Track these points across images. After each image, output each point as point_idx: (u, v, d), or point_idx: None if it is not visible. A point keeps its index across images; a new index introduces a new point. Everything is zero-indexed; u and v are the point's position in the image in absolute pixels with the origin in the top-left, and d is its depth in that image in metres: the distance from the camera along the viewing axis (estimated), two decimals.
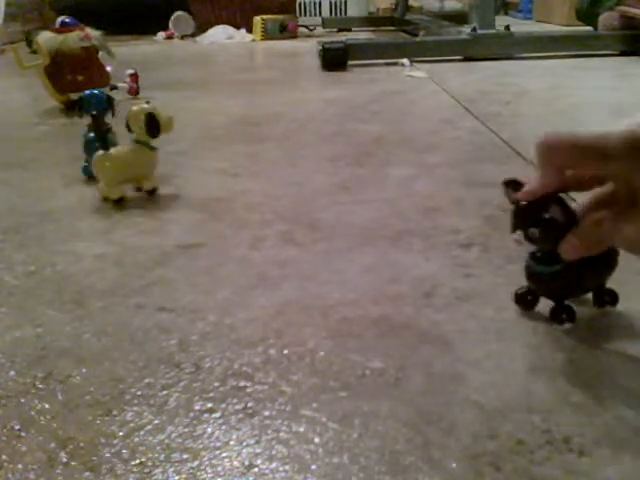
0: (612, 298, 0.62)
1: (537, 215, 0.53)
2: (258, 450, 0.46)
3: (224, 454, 0.46)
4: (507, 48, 2.38)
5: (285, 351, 0.58)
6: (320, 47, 2.36)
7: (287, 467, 0.44)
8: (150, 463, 0.45)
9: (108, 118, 1.07)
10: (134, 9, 3.73)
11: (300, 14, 4.10)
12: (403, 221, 0.88)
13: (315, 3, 4.21)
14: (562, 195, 0.54)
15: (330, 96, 1.81)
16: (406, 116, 1.54)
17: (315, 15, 4.22)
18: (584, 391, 0.51)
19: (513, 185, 0.55)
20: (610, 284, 0.61)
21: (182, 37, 3.73)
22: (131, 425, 0.49)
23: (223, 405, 0.51)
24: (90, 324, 0.64)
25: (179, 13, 3.76)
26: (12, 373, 0.56)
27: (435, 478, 0.43)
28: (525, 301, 0.62)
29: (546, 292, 0.60)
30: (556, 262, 0.55)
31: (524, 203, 0.54)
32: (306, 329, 0.62)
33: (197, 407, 0.51)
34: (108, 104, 1.07)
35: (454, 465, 0.44)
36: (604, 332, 0.59)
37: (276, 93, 1.91)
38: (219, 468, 0.44)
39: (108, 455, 0.46)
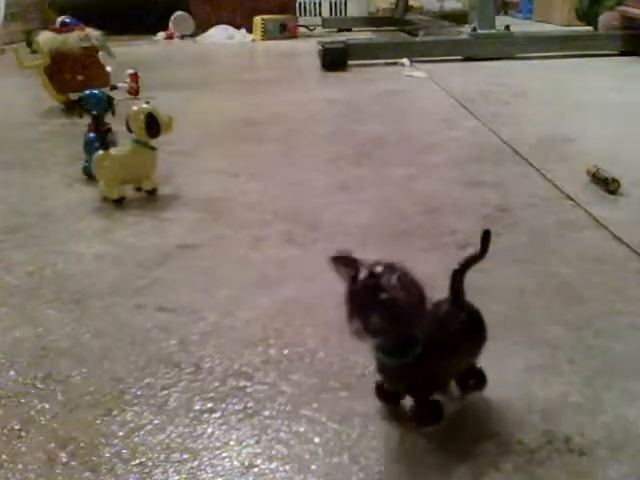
0: (478, 380, 0.50)
1: (374, 297, 0.41)
2: (258, 450, 0.46)
3: (224, 454, 0.46)
4: (507, 48, 2.38)
5: (285, 351, 0.58)
6: (320, 47, 2.36)
7: (287, 467, 0.44)
8: (150, 463, 0.45)
9: (108, 118, 1.07)
10: (134, 9, 3.73)
11: (300, 14, 4.10)
12: (403, 221, 0.88)
13: (315, 3, 4.21)
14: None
15: (330, 96, 1.81)
16: (406, 116, 1.54)
17: (315, 15, 4.21)
18: (584, 391, 0.51)
19: (345, 261, 0.44)
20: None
21: (182, 37, 3.73)
22: (131, 425, 0.49)
23: (223, 405, 0.51)
24: (90, 324, 0.64)
25: (179, 13, 3.76)
26: (12, 373, 0.56)
27: (435, 477, 0.43)
28: (386, 395, 0.50)
29: (401, 388, 0.48)
30: (407, 352, 0.45)
31: (362, 281, 0.42)
32: (306, 329, 0.62)
33: (197, 407, 0.51)
34: (108, 104, 1.07)
35: (454, 465, 0.44)
36: None
37: (276, 93, 1.91)
38: (219, 468, 0.44)
39: (108, 455, 0.46)
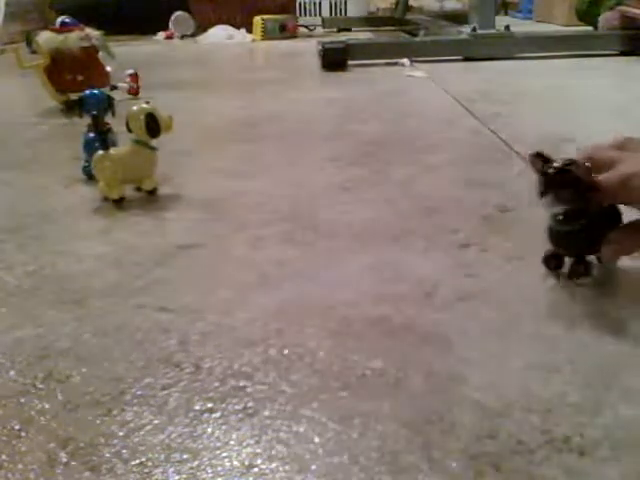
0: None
1: (566, 177, 0.61)
2: (258, 450, 0.46)
3: (224, 454, 0.46)
4: (507, 48, 2.38)
5: (285, 351, 0.58)
6: (320, 47, 2.36)
7: (287, 467, 0.44)
8: (150, 463, 0.45)
9: (108, 118, 1.07)
10: (134, 9, 3.72)
11: (300, 14, 4.09)
12: (403, 221, 0.88)
13: (315, 3, 4.20)
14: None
15: (330, 96, 1.81)
16: (406, 116, 1.54)
17: (315, 15, 4.21)
18: (584, 391, 0.51)
19: (541, 157, 0.63)
20: None
21: (182, 37, 3.73)
22: (131, 425, 0.49)
23: (223, 405, 0.51)
24: (90, 324, 0.64)
25: (179, 13, 3.76)
26: (12, 373, 0.56)
27: (435, 478, 0.43)
28: (552, 262, 0.69)
29: (568, 250, 0.67)
30: (578, 220, 0.63)
31: (554, 169, 0.61)
32: (306, 329, 0.62)
33: (197, 407, 0.51)
34: (108, 104, 1.07)
35: (454, 465, 0.44)
36: (606, 328, 0.59)
37: (276, 93, 1.91)
38: (219, 468, 0.44)
39: (108, 455, 0.46)
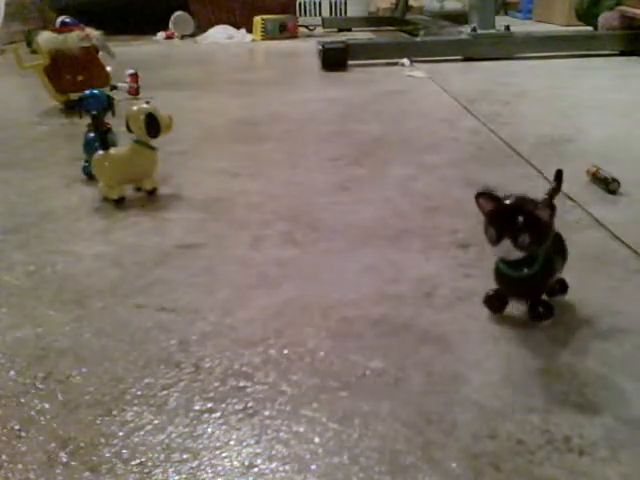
0: (562, 287, 0.64)
1: (519, 219, 0.54)
2: (258, 450, 0.46)
3: (224, 454, 0.46)
4: (507, 48, 2.38)
5: (285, 351, 0.58)
6: (320, 47, 2.36)
7: (287, 467, 0.44)
8: (150, 463, 0.45)
9: (108, 118, 1.07)
10: (134, 9, 3.72)
11: (300, 14, 4.09)
12: (403, 221, 0.88)
13: (315, 3, 4.21)
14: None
15: (330, 96, 1.81)
16: (406, 116, 1.54)
17: (315, 15, 4.21)
18: (584, 391, 0.51)
19: (490, 197, 0.56)
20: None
21: (182, 37, 3.73)
22: (131, 425, 0.49)
23: (223, 405, 0.51)
24: (90, 324, 0.64)
25: (179, 13, 3.76)
26: (12, 373, 0.56)
27: (435, 478, 0.43)
28: (495, 304, 0.62)
29: (521, 294, 0.61)
30: (531, 264, 0.57)
31: (505, 206, 0.55)
32: (306, 329, 0.62)
33: (197, 407, 0.51)
34: (108, 104, 1.07)
35: (454, 465, 0.44)
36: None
37: (276, 93, 1.91)
38: (219, 468, 0.44)
39: (108, 455, 0.46)
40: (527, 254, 0.55)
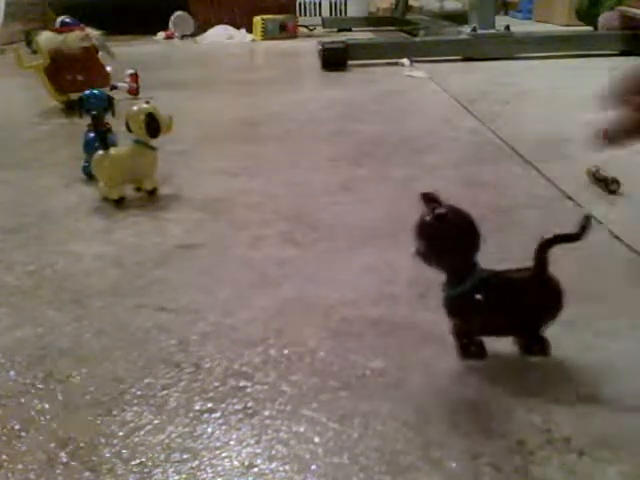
0: (542, 347, 0.54)
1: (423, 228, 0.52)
2: (258, 450, 0.46)
3: (224, 454, 0.46)
4: (507, 48, 2.38)
5: (285, 351, 0.58)
6: (320, 47, 2.36)
7: (287, 467, 0.44)
8: (150, 463, 0.45)
9: (108, 118, 1.07)
10: (134, 9, 3.72)
11: (300, 14, 4.09)
12: (403, 221, 0.87)
13: (315, 3, 4.20)
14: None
15: (330, 96, 1.81)
16: (406, 116, 1.54)
17: (315, 15, 4.21)
18: (584, 391, 0.51)
19: (428, 198, 0.55)
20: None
21: (182, 37, 3.73)
22: (131, 425, 0.49)
23: (223, 405, 0.51)
24: (90, 324, 0.64)
25: (179, 13, 3.76)
26: (12, 373, 0.56)
27: (435, 478, 0.43)
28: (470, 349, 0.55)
29: (449, 315, 0.54)
30: (455, 285, 0.52)
31: (421, 215, 0.52)
32: (306, 329, 0.62)
33: (197, 407, 0.51)
34: (108, 104, 1.07)
35: (454, 465, 0.44)
36: None
37: (276, 93, 1.91)
38: (219, 468, 0.44)
39: (108, 455, 0.46)
40: (435, 266, 0.53)
